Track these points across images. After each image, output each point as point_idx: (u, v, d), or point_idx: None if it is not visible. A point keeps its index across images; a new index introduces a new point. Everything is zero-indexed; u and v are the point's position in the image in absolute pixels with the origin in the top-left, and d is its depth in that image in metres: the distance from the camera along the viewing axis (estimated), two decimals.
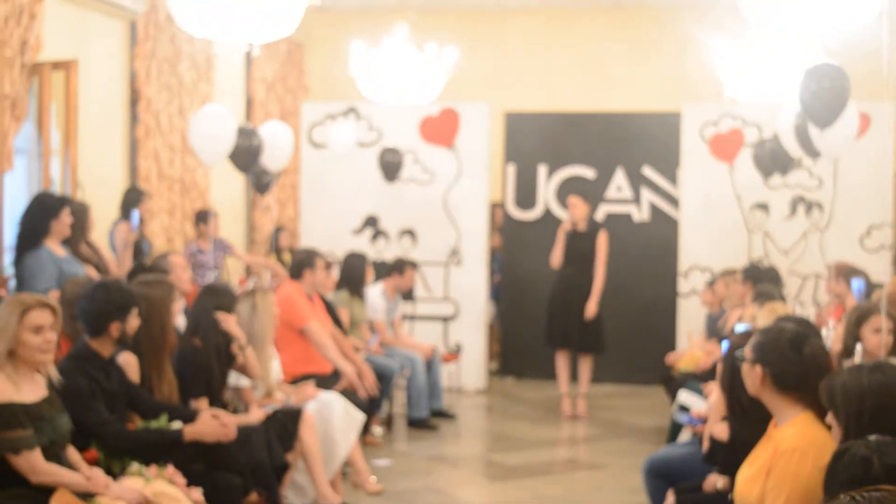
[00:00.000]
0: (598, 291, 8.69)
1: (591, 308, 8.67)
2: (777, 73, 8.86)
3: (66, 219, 6.06)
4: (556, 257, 8.75)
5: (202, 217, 8.81)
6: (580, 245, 8.71)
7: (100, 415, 4.34)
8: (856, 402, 3.14)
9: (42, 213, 6.04)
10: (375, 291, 8.45)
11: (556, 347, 8.92)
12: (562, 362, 8.92)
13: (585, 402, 8.89)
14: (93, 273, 6.15)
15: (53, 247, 6.02)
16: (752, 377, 3.56)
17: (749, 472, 3.51)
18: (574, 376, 9.03)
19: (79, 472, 4.00)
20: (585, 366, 8.90)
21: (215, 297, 5.39)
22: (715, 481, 4.29)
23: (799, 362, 3.46)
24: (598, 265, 8.71)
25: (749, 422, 3.87)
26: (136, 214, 6.99)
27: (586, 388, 8.93)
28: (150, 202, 8.38)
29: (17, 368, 3.93)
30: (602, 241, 8.72)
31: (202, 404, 5.05)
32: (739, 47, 9.07)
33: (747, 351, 3.60)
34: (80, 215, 6.44)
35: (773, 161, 8.44)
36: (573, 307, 8.70)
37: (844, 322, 5.16)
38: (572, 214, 8.74)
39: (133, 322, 4.55)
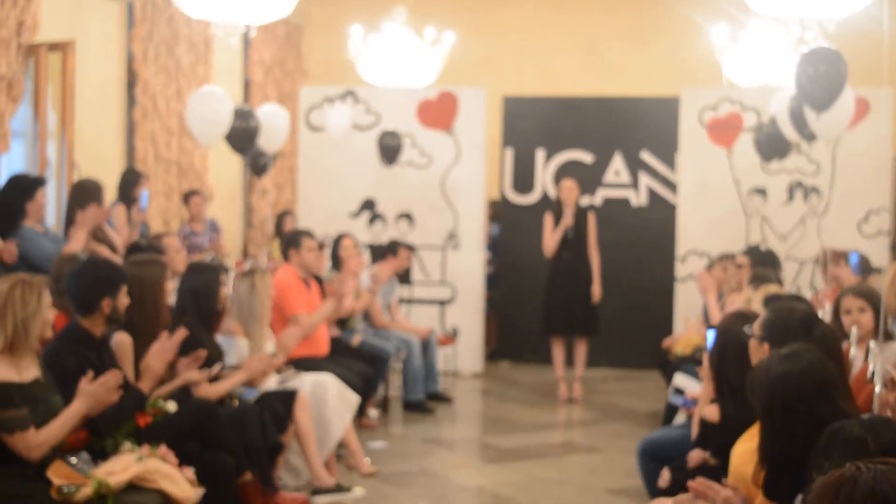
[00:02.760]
0: (598, 273, 8.72)
1: (597, 291, 8.70)
2: (776, 57, 8.83)
3: (40, 199, 5.98)
4: (550, 245, 8.73)
5: (186, 199, 8.81)
6: (573, 229, 8.70)
7: None
8: (765, 396, 2.95)
9: (17, 194, 5.93)
10: (367, 274, 8.41)
11: (554, 334, 8.92)
12: (557, 346, 8.93)
13: (581, 386, 8.89)
14: (107, 253, 6.09)
15: (33, 226, 5.97)
16: (759, 354, 3.51)
17: (747, 445, 3.49)
18: (570, 360, 9.04)
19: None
20: (581, 349, 8.91)
21: (199, 275, 5.39)
22: (699, 456, 4.27)
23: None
24: (591, 247, 8.73)
25: (739, 400, 3.86)
26: (145, 195, 6.97)
27: (582, 372, 8.94)
28: (147, 184, 8.36)
29: (19, 349, 3.90)
30: (591, 223, 8.74)
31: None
32: (738, 31, 9.04)
33: (756, 327, 3.57)
34: (95, 194, 6.38)
35: (769, 145, 8.42)
36: (575, 293, 8.71)
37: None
38: (566, 197, 8.71)
39: (123, 299, 4.51)
